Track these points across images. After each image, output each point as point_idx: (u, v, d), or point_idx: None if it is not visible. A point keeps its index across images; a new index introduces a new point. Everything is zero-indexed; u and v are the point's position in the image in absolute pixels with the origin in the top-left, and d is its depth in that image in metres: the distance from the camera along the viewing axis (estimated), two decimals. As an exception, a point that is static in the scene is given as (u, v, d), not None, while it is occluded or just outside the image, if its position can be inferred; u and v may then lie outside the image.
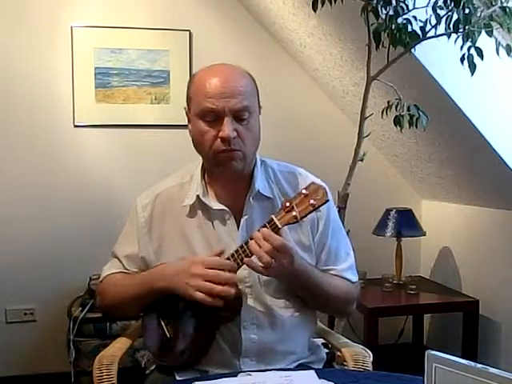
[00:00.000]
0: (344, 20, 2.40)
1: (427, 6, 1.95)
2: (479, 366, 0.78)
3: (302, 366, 1.40)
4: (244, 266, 1.27)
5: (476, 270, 2.85)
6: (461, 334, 2.74)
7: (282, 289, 1.38)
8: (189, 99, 1.38)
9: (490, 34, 1.91)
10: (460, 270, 2.96)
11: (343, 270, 1.44)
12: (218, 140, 1.29)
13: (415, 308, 2.83)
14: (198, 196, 1.38)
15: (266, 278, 1.32)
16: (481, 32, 1.90)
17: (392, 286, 2.87)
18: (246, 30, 3.05)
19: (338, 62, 2.76)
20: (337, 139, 3.10)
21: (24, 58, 2.82)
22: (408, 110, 2.07)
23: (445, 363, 0.81)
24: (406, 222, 2.90)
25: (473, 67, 1.92)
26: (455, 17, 1.91)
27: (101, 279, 1.49)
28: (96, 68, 2.90)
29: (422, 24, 2.01)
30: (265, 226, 1.24)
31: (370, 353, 1.46)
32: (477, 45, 1.91)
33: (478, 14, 1.90)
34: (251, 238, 1.24)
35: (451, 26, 1.93)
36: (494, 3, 1.91)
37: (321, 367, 1.46)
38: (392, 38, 2.00)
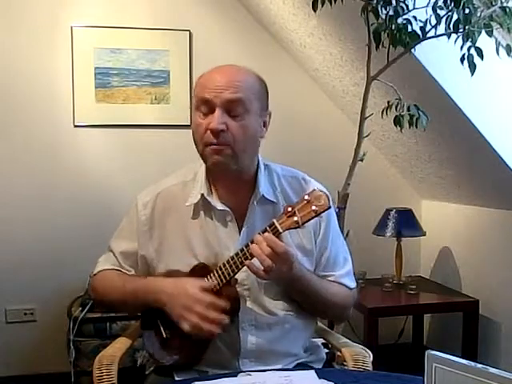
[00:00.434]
0: (344, 20, 2.40)
1: (427, 6, 1.95)
2: (479, 365, 0.78)
3: (302, 366, 1.40)
4: (243, 268, 1.27)
5: (476, 270, 2.85)
6: (461, 334, 2.74)
7: (280, 291, 1.38)
8: (193, 98, 1.39)
9: (490, 34, 1.91)
10: (460, 270, 2.96)
11: (341, 276, 1.44)
12: (208, 132, 1.29)
13: (415, 308, 2.83)
14: (202, 195, 1.37)
15: (264, 280, 1.32)
16: (481, 32, 1.90)
17: (392, 285, 2.87)
18: (246, 30, 3.05)
19: (338, 62, 2.76)
20: (337, 139, 3.09)
21: (24, 58, 2.82)
22: (408, 110, 2.07)
23: (445, 363, 0.81)
24: (406, 222, 2.90)
25: (473, 67, 1.92)
26: (455, 17, 1.91)
27: (95, 272, 1.49)
28: (96, 68, 2.90)
29: (422, 24, 2.01)
30: (266, 230, 1.24)
31: (370, 353, 1.46)
32: (477, 45, 1.91)
33: (478, 14, 1.90)
34: (252, 241, 1.24)
35: (451, 26, 1.93)
36: (493, 3, 1.91)
37: (321, 367, 1.46)
38: (392, 37, 2.00)
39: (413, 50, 2.06)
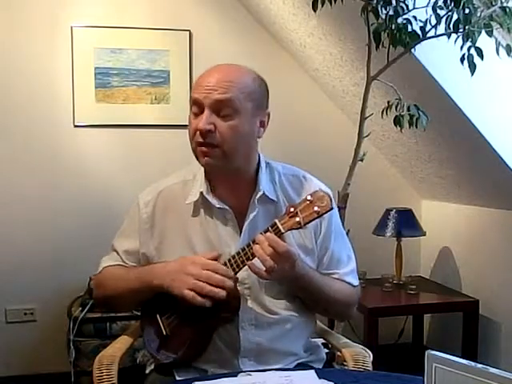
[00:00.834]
0: (344, 20, 2.40)
1: (427, 6, 1.95)
2: (479, 365, 0.78)
3: (302, 366, 1.40)
4: (244, 267, 1.27)
5: (476, 270, 2.85)
6: (461, 334, 2.74)
7: (281, 290, 1.38)
8: None
9: (490, 34, 1.91)
10: (460, 270, 2.96)
11: (345, 274, 1.45)
12: (198, 132, 1.29)
13: (415, 308, 2.83)
14: (201, 193, 1.38)
15: (266, 280, 1.32)
16: (481, 32, 1.90)
17: (392, 285, 2.87)
18: (246, 30, 3.05)
19: (338, 62, 2.76)
20: (337, 139, 3.09)
21: (24, 58, 2.82)
22: (408, 110, 2.07)
23: (445, 363, 0.81)
24: (406, 222, 2.90)
25: (473, 67, 1.92)
26: (455, 17, 1.91)
27: (99, 270, 1.50)
28: (96, 68, 2.90)
29: (422, 24, 2.01)
30: (268, 230, 1.24)
31: (369, 353, 1.46)
32: (477, 45, 1.91)
33: (478, 14, 1.90)
34: (253, 241, 1.24)
35: (451, 25, 1.93)
36: (493, 3, 1.91)
37: (321, 367, 1.46)
38: (392, 37, 2.00)
39: (413, 50, 2.06)
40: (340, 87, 2.98)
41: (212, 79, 1.29)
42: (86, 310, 2.56)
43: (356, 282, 1.47)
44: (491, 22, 1.90)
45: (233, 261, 1.28)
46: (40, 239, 2.87)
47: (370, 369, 1.41)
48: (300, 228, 1.24)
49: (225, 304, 1.27)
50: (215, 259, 1.29)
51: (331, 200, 1.23)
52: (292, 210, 1.23)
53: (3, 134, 2.83)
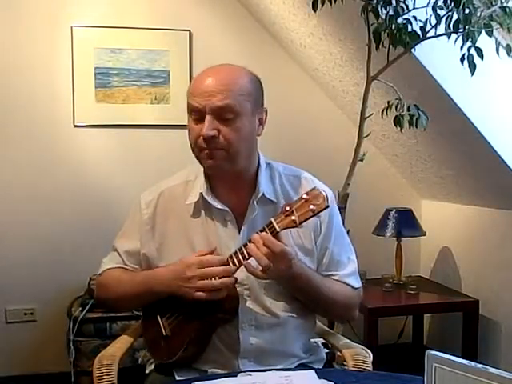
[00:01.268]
0: (344, 20, 2.40)
1: (427, 6, 1.95)
2: (479, 365, 0.78)
3: (302, 366, 1.40)
4: (241, 267, 1.27)
5: (476, 270, 2.85)
6: (461, 334, 2.74)
7: (281, 291, 1.38)
8: None
9: (490, 34, 1.91)
10: (460, 270, 2.96)
11: (345, 276, 1.44)
12: (201, 138, 1.29)
13: (415, 308, 2.83)
14: (201, 194, 1.38)
15: (263, 280, 1.32)
16: (481, 32, 1.90)
17: (392, 285, 2.87)
18: (246, 30, 3.05)
19: (338, 62, 2.76)
20: (337, 139, 3.09)
21: (24, 58, 2.82)
22: (408, 110, 2.07)
23: (445, 363, 0.81)
24: (406, 222, 2.90)
25: (473, 67, 1.92)
26: (455, 17, 1.91)
27: (100, 271, 1.50)
28: (96, 68, 2.90)
29: (422, 24, 2.01)
30: (264, 230, 1.24)
31: (369, 353, 1.46)
32: (477, 45, 1.91)
33: (478, 14, 1.90)
34: (250, 241, 1.24)
35: (451, 25, 1.93)
36: (493, 3, 1.91)
37: (321, 367, 1.46)
38: (392, 37, 2.00)
39: (413, 50, 2.06)
40: (340, 87, 2.98)
41: (208, 84, 1.29)
42: (86, 310, 2.56)
43: (357, 284, 1.46)
44: (491, 22, 1.90)
45: (230, 260, 1.28)
46: (40, 239, 2.87)
47: (370, 369, 1.41)
48: (296, 227, 1.24)
49: (223, 304, 1.28)
50: (210, 253, 1.31)
51: (327, 198, 1.22)
52: (288, 208, 1.23)
53: (3, 133, 2.83)
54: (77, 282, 2.77)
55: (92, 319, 2.57)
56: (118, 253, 1.47)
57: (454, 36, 1.94)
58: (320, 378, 1.17)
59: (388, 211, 2.91)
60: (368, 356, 1.43)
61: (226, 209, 1.37)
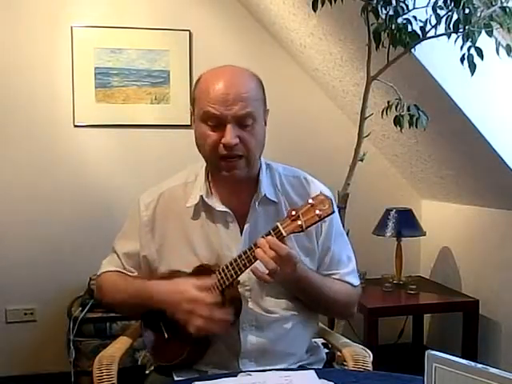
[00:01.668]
0: (344, 20, 2.40)
1: (427, 6, 1.95)
2: (479, 365, 0.78)
3: (302, 367, 1.40)
4: (246, 270, 1.27)
5: (476, 270, 2.85)
6: (461, 334, 2.74)
7: (282, 291, 1.38)
8: (193, 100, 1.37)
9: (490, 34, 1.91)
10: (460, 270, 2.96)
11: (345, 274, 1.45)
12: (221, 145, 1.29)
13: (415, 308, 2.83)
14: (201, 197, 1.38)
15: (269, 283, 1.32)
16: (481, 32, 1.90)
17: (392, 285, 2.87)
18: (246, 30, 3.05)
19: (338, 62, 2.76)
20: (337, 139, 3.09)
21: (24, 58, 2.82)
22: (408, 110, 2.07)
23: (445, 363, 0.81)
24: (406, 222, 2.90)
25: (473, 67, 1.92)
26: (455, 17, 1.91)
27: (99, 273, 1.51)
28: (96, 68, 2.90)
29: (422, 24, 2.01)
30: (270, 233, 1.24)
31: (369, 353, 1.46)
32: (477, 45, 1.90)
33: (478, 14, 1.90)
34: (255, 244, 1.24)
35: (451, 25, 1.93)
36: (493, 3, 1.91)
37: (321, 367, 1.46)
38: (392, 37, 2.00)
39: (413, 50, 2.06)
40: (340, 87, 2.98)
41: (227, 91, 1.27)
42: (85, 310, 2.56)
43: (356, 281, 1.48)
44: (491, 22, 1.90)
45: (234, 264, 1.27)
46: (40, 239, 2.87)
47: (370, 369, 1.41)
48: (302, 231, 1.24)
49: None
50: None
51: (332, 203, 1.24)
52: (294, 213, 1.23)
53: (3, 133, 2.83)
54: (77, 282, 2.77)
55: (92, 319, 2.57)
56: (117, 255, 1.47)
57: (454, 36, 1.94)
58: (320, 377, 1.17)
59: (388, 211, 2.91)
60: (368, 356, 1.43)
61: (228, 210, 1.37)
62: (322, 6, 2.04)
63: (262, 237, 1.24)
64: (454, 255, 3.01)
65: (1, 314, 2.86)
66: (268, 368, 1.31)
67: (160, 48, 2.96)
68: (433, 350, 0.84)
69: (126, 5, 2.94)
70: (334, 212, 1.24)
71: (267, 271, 1.22)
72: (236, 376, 1.22)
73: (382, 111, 2.15)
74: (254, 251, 1.24)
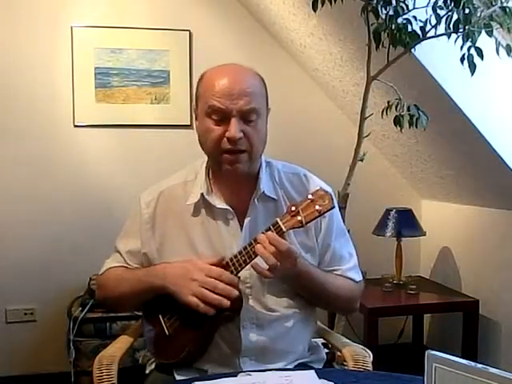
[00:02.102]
0: (344, 20, 2.40)
1: (427, 6, 1.95)
2: (479, 365, 0.78)
3: (303, 366, 1.40)
4: (246, 266, 1.27)
5: (476, 270, 2.85)
6: (461, 334, 2.74)
7: (283, 289, 1.38)
8: (197, 97, 1.38)
9: (490, 34, 1.91)
10: (460, 270, 2.96)
11: (347, 270, 1.45)
12: (225, 139, 1.30)
13: (415, 308, 2.83)
14: (202, 194, 1.38)
15: (270, 279, 1.32)
16: (481, 32, 1.90)
17: (392, 285, 2.87)
18: (246, 30, 3.05)
19: (338, 62, 2.76)
20: (337, 139, 3.09)
21: (24, 58, 2.82)
22: (408, 110, 2.07)
23: (445, 363, 0.81)
24: (406, 222, 2.90)
25: (473, 67, 1.92)
26: (455, 17, 1.91)
27: (102, 271, 1.50)
28: (96, 68, 2.90)
29: (422, 24, 2.01)
30: (269, 229, 1.24)
31: (369, 353, 1.46)
32: (477, 45, 1.90)
33: (478, 14, 1.90)
34: (255, 240, 1.25)
35: (451, 25, 1.93)
36: (493, 3, 1.91)
37: (321, 367, 1.46)
38: (392, 37, 2.00)
39: (413, 50, 2.06)
40: (340, 87, 2.98)
41: (232, 86, 1.28)
42: (86, 310, 2.56)
43: (358, 277, 1.48)
44: (491, 22, 1.90)
45: (235, 260, 1.28)
46: (40, 239, 2.87)
47: (370, 369, 1.41)
48: (301, 227, 1.25)
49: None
50: (220, 262, 1.30)
51: (332, 199, 1.24)
52: (293, 208, 1.24)
53: (3, 133, 2.83)
54: (77, 282, 2.77)
55: (92, 319, 2.57)
56: (120, 254, 1.48)
57: (453, 36, 1.94)
58: (320, 377, 1.17)
59: (388, 211, 2.91)
60: (368, 356, 1.44)
61: (228, 208, 1.37)
62: (322, 6, 2.04)
63: (262, 232, 1.24)
64: (453, 255, 3.01)
65: (1, 314, 2.86)
66: (268, 366, 1.32)
67: (160, 48, 2.96)
68: (433, 350, 0.84)
69: (126, 5, 2.94)
70: (333, 207, 1.24)
71: (267, 267, 1.22)
72: (236, 376, 1.22)
73: (382, 111, 2.15)
74: (253, 247, 1.24)
